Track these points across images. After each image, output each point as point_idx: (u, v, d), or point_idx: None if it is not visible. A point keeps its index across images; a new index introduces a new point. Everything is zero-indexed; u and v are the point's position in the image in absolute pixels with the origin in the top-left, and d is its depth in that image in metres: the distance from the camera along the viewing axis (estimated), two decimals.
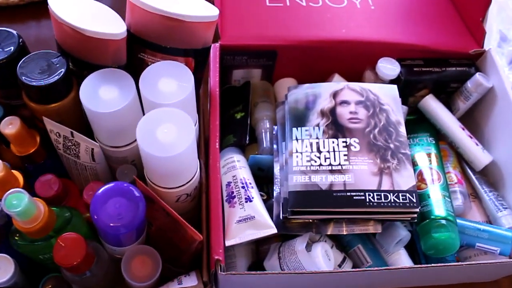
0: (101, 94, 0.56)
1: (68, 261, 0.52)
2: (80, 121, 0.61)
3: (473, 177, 0.74)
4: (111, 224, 0.51)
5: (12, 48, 0.59)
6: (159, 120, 0.53)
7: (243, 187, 0.64)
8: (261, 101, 0.77)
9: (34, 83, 0.56)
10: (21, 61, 0.58)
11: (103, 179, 0.64)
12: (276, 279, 0.60)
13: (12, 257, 0.56)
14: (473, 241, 0.67)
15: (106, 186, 0.52)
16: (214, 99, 0.66)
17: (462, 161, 0.76)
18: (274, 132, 0.72)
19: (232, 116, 0.75)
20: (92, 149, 0.59)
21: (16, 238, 0.56)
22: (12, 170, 0.60)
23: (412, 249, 0.69)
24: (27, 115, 0.62)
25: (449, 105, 0.79)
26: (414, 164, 0.70)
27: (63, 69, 0.57)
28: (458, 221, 0.67)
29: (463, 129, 0.75)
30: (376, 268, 0.59)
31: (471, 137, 0.74)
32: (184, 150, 0.51)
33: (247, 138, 0.71)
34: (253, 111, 0.76)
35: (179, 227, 0.56)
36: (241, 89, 0.79)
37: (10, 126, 0.59)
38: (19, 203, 0.49)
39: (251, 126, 0.74)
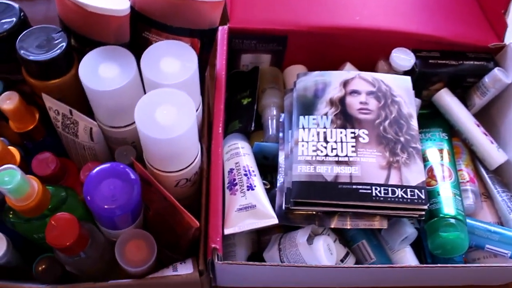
0: (101, 71, 0.54)
1: (60, 241, 0.50)
2: (81, 99, 0.59)
3: (486, 176, 0.72)
4: (105, 206, 0.49)
5: (13, 21, 0.57)
6: (159, 101, 0.51)
7: (245, 175, 0.62)
8: (269, 88, 0.75)
9: (33, 57, 0.55)
10: (21, 35, 0.56)
11: (102, 159, 0.63)
12: (274, 271, 0.58)
13: (6, 235, 0.55)
14: (483, 243, 0.64)
15: (100, 167, 0.51)
16: (220, 82, 0.64)
17: (476, 159, 0.73)
18: (281, 120, 0.70)
19: (239, 102, 0.73)
20: (91, 128, 0.58)
21: (10, 216, 0.55)
22: (10, 147, 0.59)
23: (419, 247, 0.66)
24: (27, 91, 0.61)
25: (465, 101, 0.76)
26: (424, 160, 0.68)
27: (63, 45, 0.56)
28: (468, 221, 0.64)
29: (478, 126, 0.72)
30: (379, 265, 0.57)
31: (486, 135, 0.71)
32: (183, 132, 0.50)
33: (253, 125, 0.69)
34: (261, 97, 0.74)
35: (176, 212, 0.54)
36: (249, 74, 0.77)
37: (8, 101, 0.57)
38: (11, 180, 0.47)
39: (257, 112, 0.72)
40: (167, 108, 0.50)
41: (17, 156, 0.59)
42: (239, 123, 0.70)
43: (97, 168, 0.51)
